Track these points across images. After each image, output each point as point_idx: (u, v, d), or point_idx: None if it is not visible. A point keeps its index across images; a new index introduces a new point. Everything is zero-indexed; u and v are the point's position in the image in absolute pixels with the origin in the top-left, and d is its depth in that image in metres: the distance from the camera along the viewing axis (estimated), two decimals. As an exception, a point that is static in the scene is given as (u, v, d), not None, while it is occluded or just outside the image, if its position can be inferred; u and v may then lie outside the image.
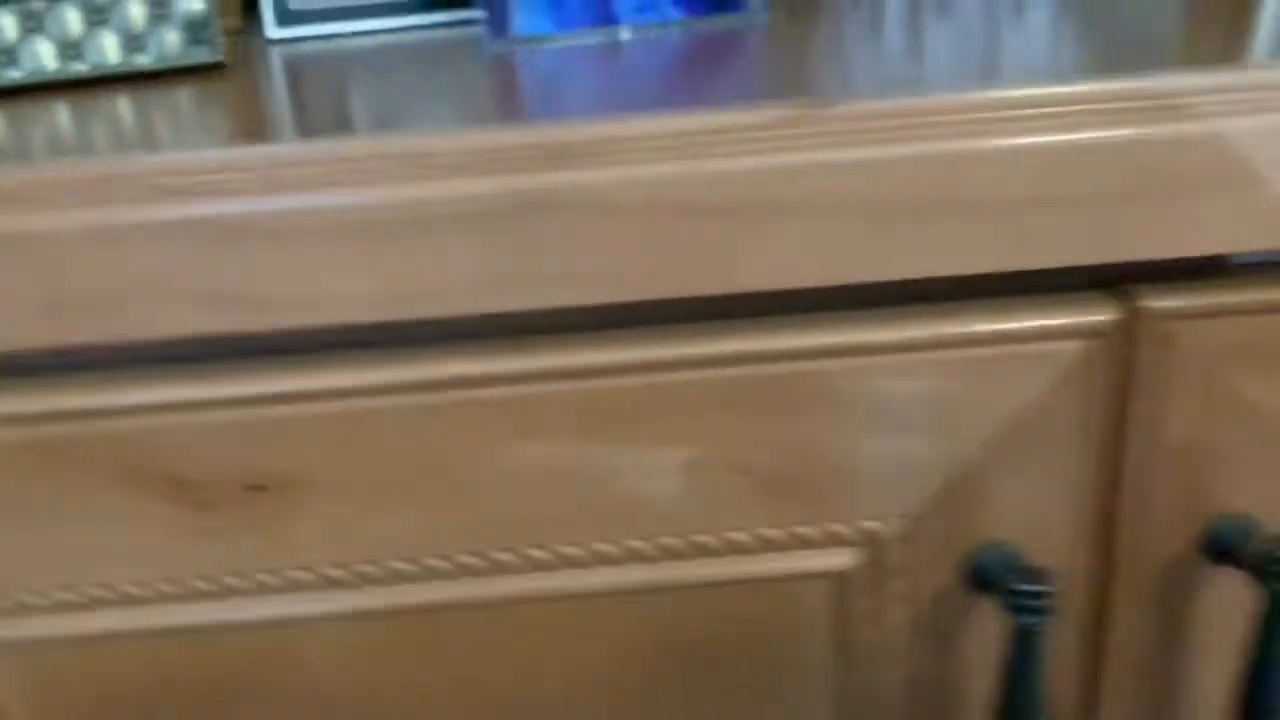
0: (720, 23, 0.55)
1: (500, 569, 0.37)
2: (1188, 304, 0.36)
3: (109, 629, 0.37)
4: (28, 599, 0.37)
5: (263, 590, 0.37)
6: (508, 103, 0.37)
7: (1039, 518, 0.38)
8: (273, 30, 0.63)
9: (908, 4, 0.53)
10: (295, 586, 0.37)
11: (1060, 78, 0.33)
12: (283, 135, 0.34)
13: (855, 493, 0.37)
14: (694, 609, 0.38)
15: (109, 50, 0.51)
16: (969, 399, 0.36)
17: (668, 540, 0.37)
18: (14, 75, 0.48)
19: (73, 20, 0.50)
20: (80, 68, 0.50)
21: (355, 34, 0.63)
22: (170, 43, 0.52)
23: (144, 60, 0.52)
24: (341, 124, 0.35)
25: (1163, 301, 0.35)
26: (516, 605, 0.38)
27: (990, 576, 0.36)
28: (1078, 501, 0.38)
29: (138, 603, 0.37)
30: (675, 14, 0.55)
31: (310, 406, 0.35)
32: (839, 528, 0.37)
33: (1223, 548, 0.38)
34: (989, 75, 0.34)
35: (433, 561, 0.37)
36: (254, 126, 0.36)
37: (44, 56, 0.49)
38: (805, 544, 0.38)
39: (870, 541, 0.37)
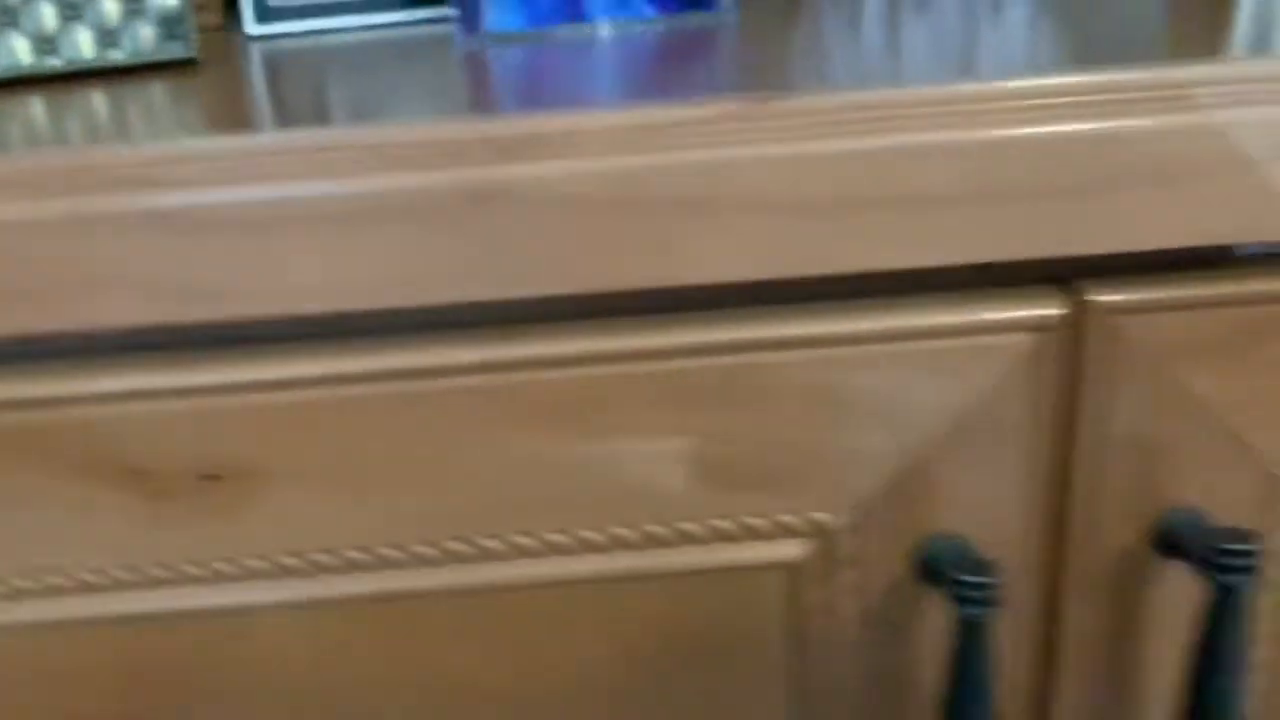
0: (692, 20, 0.55)
1: (453, 558, 0.38)
2: (1134, 299, 0.36)
3: (66, 616, 0.38)
4: (-13, 586, 0.38)
5: (219, 578, 0.38)
6: (471, 97, 0.37)
7: (989, 510, 0.38)
8: (252, 27, 0.63)
9: (887, 2, 0.53)
10: (251, 575, 0.38)
11: (1008, 73, 0.33)
12: (248, 128, 0.34)
13: (805, 484, 0.37)
14: (647, 599, 0.39)
15: (84, 45, 0.52)
16: (918, 392, 0.36)
17: (620, 531, 0.38)
18: (-13, 69, 0.48)
19: (48, 15, 0.51)
20: (55, 62, 0.51)
21: (334, 30, 0.64)
22: (144, 38, 0.53)
23: (118, 55, 0.52)
24: (309, 118, 0.35)
25: (1109, 296, 0.36)
26: (469, 595, 0.38)
27: (938, 568, 0.36)
28: (1028, 494, 0.38)
29: (95, 590, 0.37)
30: (648, 11, 0.55)
31: (263, 397, 0.35)
32: (789, 519, 0.38)
33: (1172, 541, 0.38)
34: (959, 71, 0.35)
35: (387, 551, 0.37)
36: (221, 120, 0.36)
37: (19, 51, 0.49)
38: (756, 535, 0.38)
39: (820, 533, 0.38)
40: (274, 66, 0.50)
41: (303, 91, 0.40)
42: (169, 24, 0.53)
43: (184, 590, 0.38)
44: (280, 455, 0.36)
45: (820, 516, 0.38)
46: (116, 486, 0.36)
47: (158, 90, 0.46)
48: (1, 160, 0.32)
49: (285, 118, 0.36)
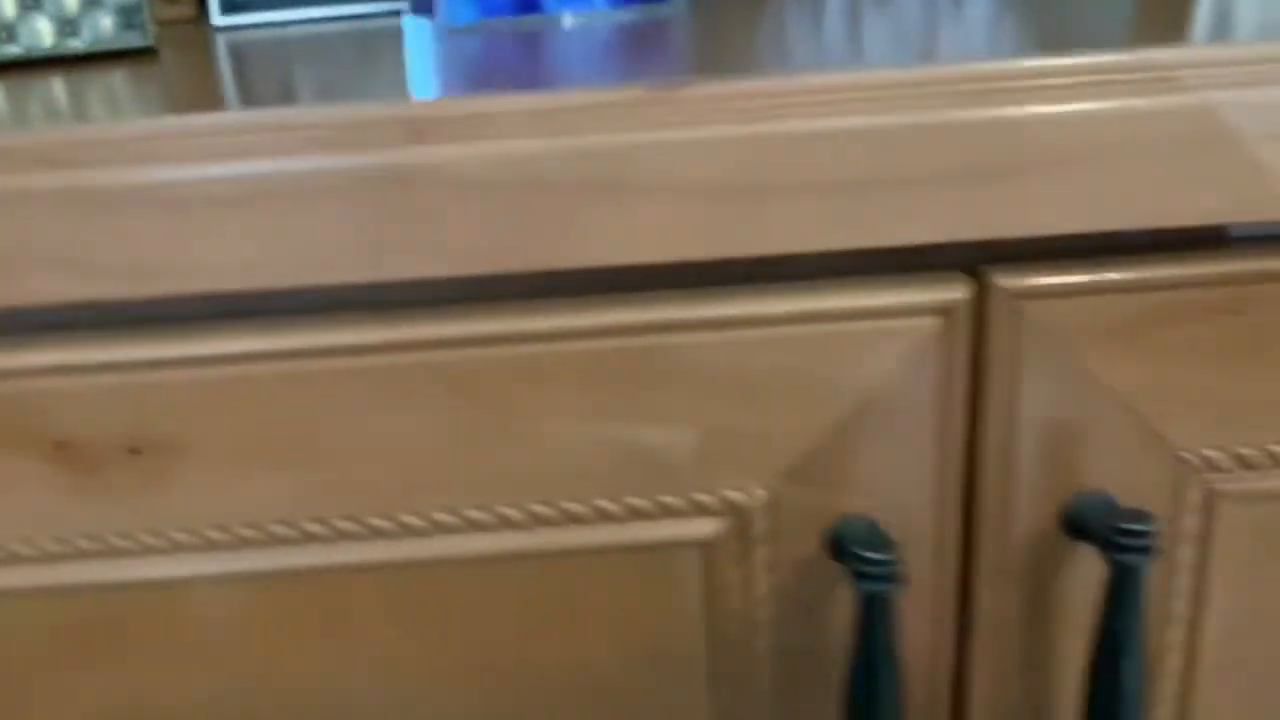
0: (645, 13, 0.56)
1: (375, 534, 0.39)
2: (1039, 284, 0.37)
3: (-2, 586, 0.39)
4: (-79, 556, 0.39)
5: (147, 550, 0.38)
6: (405, 84, 0.38)
7: (900, 491, 0.39)
8: (218, 18, 0.64)
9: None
10: (178, 547, 0.38)
11: (911, 61, 0.34)
12: (183, 112, 0.35)
13: (719, 463, 0.38)
14: (567, 576, 0.40)
15: (43, 34, 0.53)
16: (827, 373, 0.37)
17: (538, 508, 0.39)
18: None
19: (7, 4, 0.52)
20: (14, 50, 0.52)
21: (301, 22, 0.65)
22: (103, 27, 0.54)
23: (77, 44, 0.53)
24: (247, 103, 0.36)
25: (1014, 281, 0.36)
26: (391, 570, 0.39)
27: (844, 546, 0.37)
28: (939, 476, 0.39)
29: (24, 561, 0.38)
30: (600, 3, 0.56)
31: (187, 372, 0.36)
32: (704, 498, 0.38)
33: (1080, 523, 0.39)
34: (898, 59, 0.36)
35: (310, 526, 0.38)
36: (162, 104, 0.37)
37: (-22, 39, 0.50)
38: (672, 513, 0.39)
39: (734, 511, 0.39)
40: (232, 56, 0.51)
41: (250, 79, 0.41)
42: (127, 13, 0.54)
43: (112, 562, 0.39)
44: (205, 430, 0.37)
45: (734, 495, 0.38)
46: (44, 459, 0.37)
47: (113, 77, 0.46)
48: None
49: (223, 103, 0.37)
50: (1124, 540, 0.36)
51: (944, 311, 0.37)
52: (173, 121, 0.34)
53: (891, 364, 0.37)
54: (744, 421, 0.37)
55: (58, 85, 0.45)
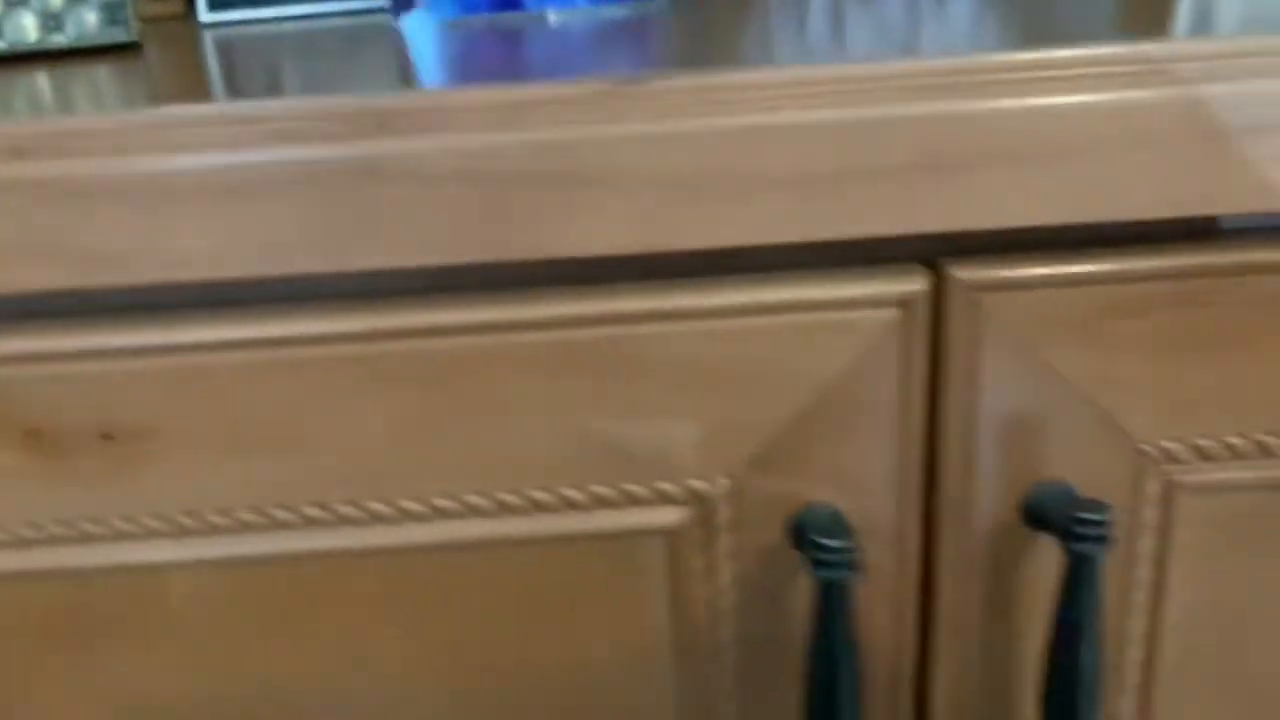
0: (627, 10, 0.57)
1: (343, 521, 0.39)
2: (996, 276, 0.37)
3: (-29, 570, 0.39)
4: (-103, 541, 0.39)
5: (120, 537, 0.39)
6: (379, 78, 0.39)
7: (862, 481, 0.39)
8: (205, 14, 0.65)
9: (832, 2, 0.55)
10: (151, 533, 0.39)
11: (865, 56, 0.34)
12: (160, 104, 0.35)
13: (682, 453, 0.39)
14: (534, 563, 0.40)
15: (28, 29, 0.54)
16: (787, 364, 0.38)
17: (505, 496, 0.39)
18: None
19: (-8, 0, 0.53)
20: (-1, 45, 0.53)
21: (289, 18, 0.65)
22: (87, 22, 0.55)
23: (61, 39, 0.54)
24: (221, 95, 0.37)
25: (972, 273, 0.37)
26: (359, 557, 0.40)
27: (804, 534, 0.37)
28: (900, 466, 0.39)
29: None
30: (581, 1, 0.57)
31: (156, 360, 0.37)
32: (668, 486, 0.39)
33: (1040, 514, 0.39)
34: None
35: (279, 513, 0.39)
36: (139, 98, 0.38)
37: (-37, 34, 0.51)
38: (636, 501, 0.39)
39: (698, 500, 0.39)
40: (217, 51, 0.52)
41: (232, 74, 0.42)
42: (111, 9, 0.55)
43: (85, 547, 0.39)
44: (176, 417, 0.38)
45: (697, 484, 0.39)
46: (17, 446, 0.38)
47: (96, 72, 0.47)
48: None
49: (199, 97, 0.37)
50: (1080, 530, 0.37)
51: (903, 304, 0.37)
52: (144, 114, 0.34)
53: (851, 355, 0.38)
54: (707, 411, 0.38)
55: (41, 79, 0.45)
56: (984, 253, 0.38)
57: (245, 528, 0.39)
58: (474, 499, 0.39)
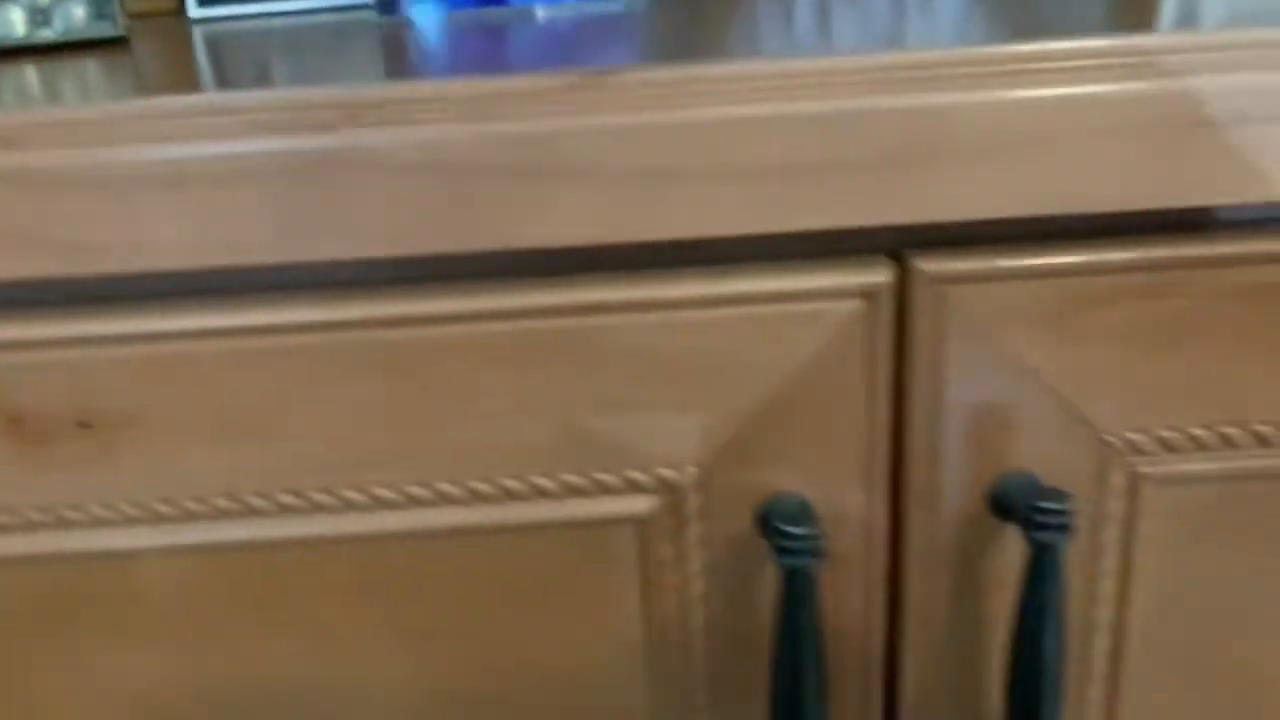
0: (612, 5, 0.57)
1: (317, 508, 0.40)
2: (960, 268, 0.37)
3: (-49, 555, 0.40)
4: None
5: (98, 523, 0.40)
6: (359, 71, 0.40)
7: (829, 471, 0.40)
8: (194, 10, 0.66)
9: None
10: (128, 520, 0.40)
11: (826, 51, 0.35)
12: (138, 96, 0.36)
13: (651, 442, 0.39)
14: (505, 551, 0.41)
15: (16, 24, 0.54)
16: (753, 354, 0.38)
17: (477, 484, 0.40)
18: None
19: (-20, -5, 0.53)
20: (-13, 39, 0.53)
21: (277, 14, 0.66)
22: (75, 17, 0.55)
23: (49, 34, 0.55)
24: (196, 87, 0.37)
25: (936, 265, 0.37)
26: (333, 544, 0.40)
27: (769, 523, 0.38)
28: (867, 457, 0.40)
29: (-23, 531, 0.40)
30: (563, -2, 0.57)
31: (134, 348, 0.38)
32: (638, 475, 0.40)
33: (1006, 504, 0.40)
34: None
35: (253, 500, 0.39)
36: (122, 91, 0.39)
37: (-47, 29, 0.52)
38: (606, 490, 0.40)
39: (667, 489, 0.40)
40: (206, 46, 0.52)
41: (218, 68, 0.43)
42: (98, 4, 0.55)
43: (63, 534, 0.40)
44: (153, 405, 0.38)
45: (667, 473, 0.40)
46: (-3, 433, 0.38)
47: (83, 66, 0.48)
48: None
49: (182, 89, 0.38)
50: (1041, 519, 0.37)
51: (867, 295, 0.38)
52: (118, 106, 0.35)
53: (817, 346, 0.38)
54: (675, 400, 0.38)
55: (27, 73, 0.46)
56: (949, 244, 0.38)
57: (221, 514, 0.40)
58: (446, 487, 0.40)
